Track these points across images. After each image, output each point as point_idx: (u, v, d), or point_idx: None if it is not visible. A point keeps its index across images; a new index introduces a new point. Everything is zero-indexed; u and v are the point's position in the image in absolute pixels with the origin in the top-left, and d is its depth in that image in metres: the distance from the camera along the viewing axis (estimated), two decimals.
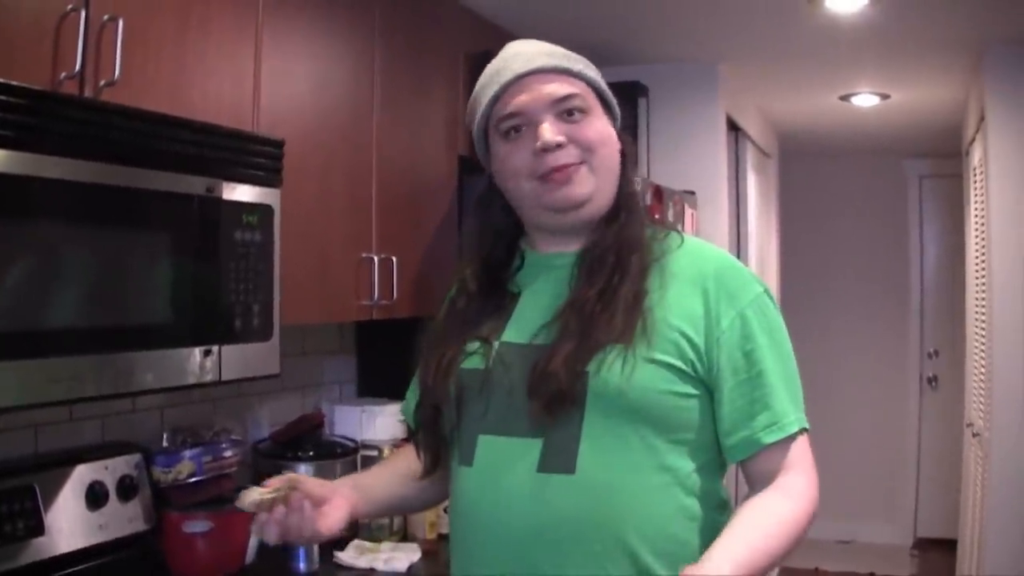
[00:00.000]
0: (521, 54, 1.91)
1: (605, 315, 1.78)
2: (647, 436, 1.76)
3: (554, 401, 1.75)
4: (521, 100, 1.87)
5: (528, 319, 1.89)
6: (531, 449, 1.78)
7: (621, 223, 1.90)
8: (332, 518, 1.88)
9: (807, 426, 1.82)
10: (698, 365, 1.79)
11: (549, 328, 1.83)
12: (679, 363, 1.77)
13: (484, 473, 1.85)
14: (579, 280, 1.87)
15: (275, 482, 1.87)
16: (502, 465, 1.82)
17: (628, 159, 1.96)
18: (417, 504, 2.26)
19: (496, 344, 1.89)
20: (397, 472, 2.12)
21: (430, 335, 2.04)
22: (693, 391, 1.79)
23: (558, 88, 1.87)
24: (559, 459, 1.76)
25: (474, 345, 1.91)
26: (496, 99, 1.90)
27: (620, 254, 1.85)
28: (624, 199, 1.94)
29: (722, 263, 1.90)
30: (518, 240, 2.03)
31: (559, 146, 1.84)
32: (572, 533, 1.74)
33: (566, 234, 1.93)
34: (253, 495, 1.83)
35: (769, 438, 1.77)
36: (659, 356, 1.76)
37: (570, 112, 1.86)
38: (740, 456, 1.82)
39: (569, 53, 1.94)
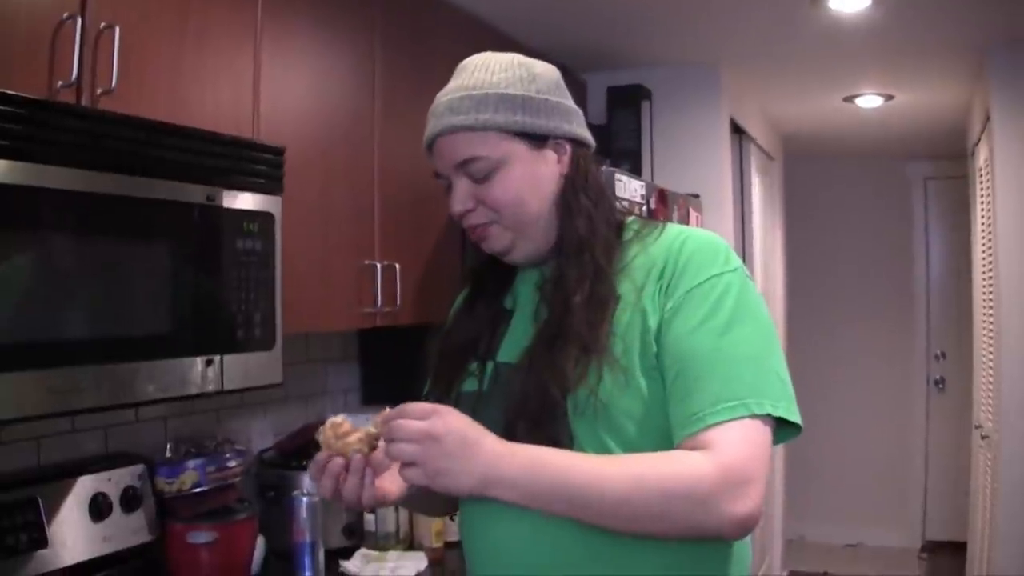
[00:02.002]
0: (436, 108, 1.91)
1: (563, 355, 1.74)
2: (630, 445, 1.72)
3: None
4: (437, 162, 1.92)
5: (517, 337, 1.90)
6: None
7: (565, 257, 1.86)
8: (388, 487, 1.84)
9: (763, 411, 1.64)
10: (660, 352, 1.74)
11: (521, 359, 1.83)
12: (649, 361, 1.73)
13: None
14: (537, 318, 1.86)
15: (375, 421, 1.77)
16: None
17: (575, 184, 1.90)
18: (442, 502, 2.14)
19: (491, 365, 1.91)
20: None
21: (437, 345, 2.05)
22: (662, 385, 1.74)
23: (458, 151, 1.86)
24: None
25: (472, 366, 1.94)
26: (429, 152, 1.94)
27: (567, 293, 1.81)
28: (568, 233, 1.88)
29: (692, 244, 1.82)
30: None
31: (468, 210, 1.88)
32: (569, 550, 1.72)
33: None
34: (331, 430, 1.76)
35: (684, 431, 1.66)
36: (630, 363, 1.73)
37: (480, 172, 1.85)
38: (676, 445, 1.70)
39: (490, 93, 1.87)
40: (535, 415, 1.74)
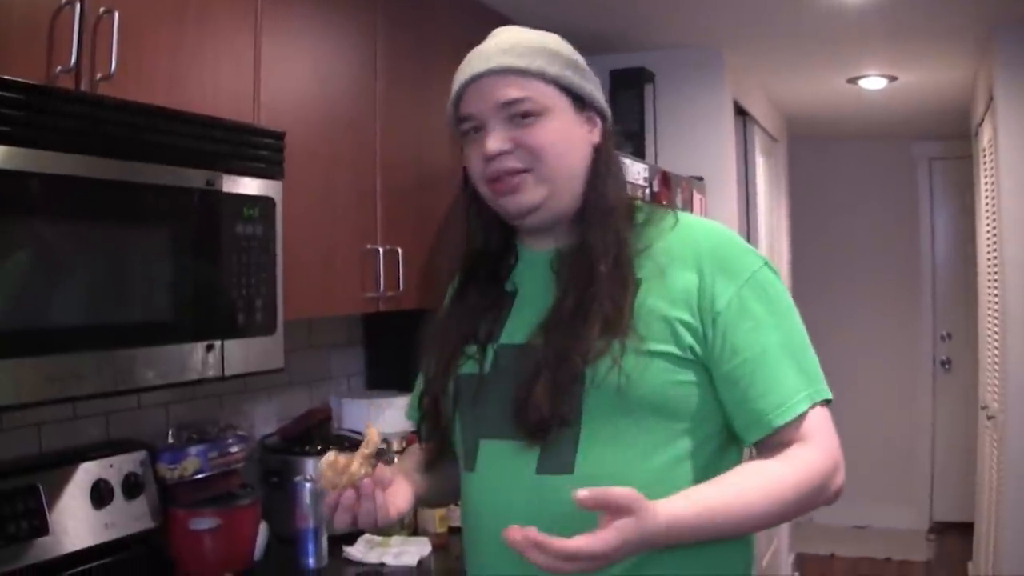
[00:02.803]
0: (483, 52, 1.89)
1: (586, 327, 1.74)
2: (648, 428, 1.74)
3: (538, 430, 1.74)
4: (472, 103, 1.87)
5: (523, 318, 1.88)
6: (530, 452, 1.77)
7: (589, 226, 1.86)
8: (401, 501, 1.84)
9: (824, 397, 1.78)
10: (697, 349, 1.76)
11: (538, 333, 1.81)
12: (675, 350, 1.75)
13: (486, 477, 1.85)
14: (557, 289, 1.84)
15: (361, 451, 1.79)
16: (503, 469, 1.81)
17: (603, 156, 1.92)
18: (450, 488, 2.10)
19: (492, 348, 1.89)
20: (424, 462, 2.08)
21: (431, 329, 2.03)
22: (692, 377, 1.77)
23: (507, 91, 1.83)
24: (557, 460, 1.75)
25: (471, 349, 1.91)
26: (458, 100, 1.90)
27: (592, 260, 1.81)
28: (595, 199, 1.88)
29: (717, 239, 1.86)
30: (512, 234, 2.00)
31: (503, 153, 1.83)
32: (573, 531, 1.71)
33: (541, 231, 1.92)
34: (330, 470, 1.77)
35: (779, 420, 1.73)
36: (654, 347, 1.74)
37: (523, 115, 1.82)
38: (753, 439, 1.78)
39: (540, 47, 1.87)
40: (551, 384, 1.73)
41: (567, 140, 1.86)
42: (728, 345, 1.75)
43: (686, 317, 1.76)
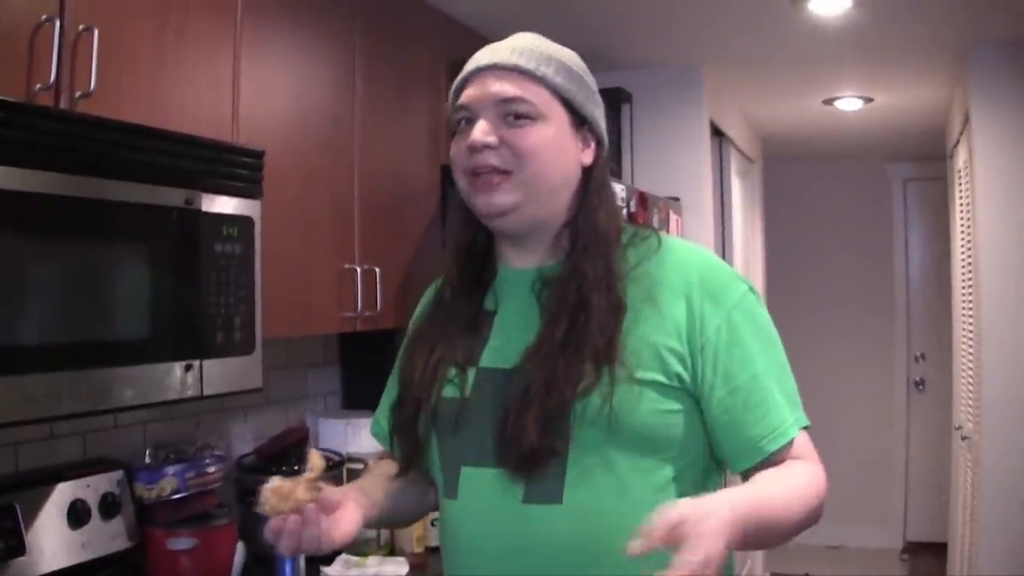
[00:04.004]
0: (495, 48, 1.87)
1: (577, 358, 1.71)
2: (635, 457, 1.72)
3: (527, 461, 1.71)
4: (470, 94, 1.84)
5: (506, 342, 1.84)
6: (516, 481, 1.73)
7: (580, 252, 1.82)
8: (345, 526, 1.77)
9: (805, 423, 1.79)
10: (684, 376, 1.74)
11: (525, 360, 1.77)
12: (663, 379, 1.73)
13: (469, 506, 1.81)
14: (543, 314, 1.81)
15: (303, 480, 1.75)
16: (487, 497, 1.78)
17: (595, 180, 1.89)
18: (413, 510, 2.11)
19: (472, 370, 1.85)
20: (389, 478, 2.03)
21: (408, 341, 2.01)
22: (679, 405, 1.75)
23: (507, 88, 1.80)
24: (544, 490, 1.72)
25: (451, 372, 1.86)
26: (459, 91, 1.88)
27: (584, 289, 1.77)
28: (586, 224, 1.85)
29: (704, 265, 1.83)
30: (493, 249, 1.97)
31: (488, 147, 1.79)
32: (561, 561, 1.71)
33: (523, 245, 1.89)
34: (275, 497, 1.75)
35: (771, 446, 1.73)
36: (643, 376, 1.71)
37: (517, 116, 1.80)
38: (743, 467, 1.77)
39: (554, 57, 1.86)
40: (541, 416, 1.69)
41: (555, 151, 1.82)
42: (720, 372, 1.74)
43: (674, 344, 1.74)
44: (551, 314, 1.79)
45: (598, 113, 1.92)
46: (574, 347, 1.72)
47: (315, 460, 1.75)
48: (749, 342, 1.77)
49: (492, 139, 1.79)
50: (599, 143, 1.92)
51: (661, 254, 1.85)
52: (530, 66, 1.82)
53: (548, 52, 1.86)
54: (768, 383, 1.76)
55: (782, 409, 1.75)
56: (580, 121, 1.87)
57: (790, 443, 1.74)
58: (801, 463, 1.75)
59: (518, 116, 1.80)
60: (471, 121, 1.83)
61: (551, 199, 1.84)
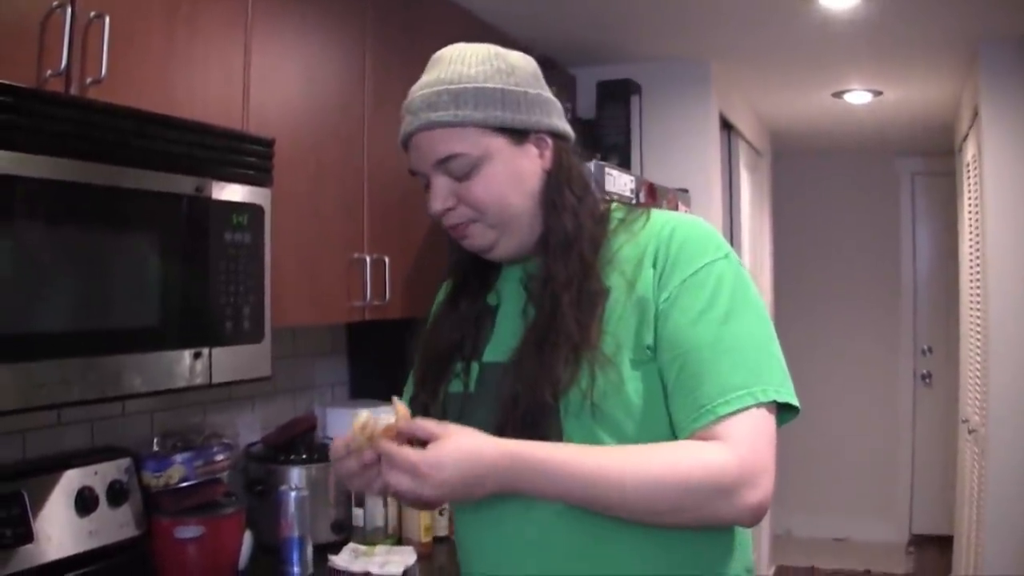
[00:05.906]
0: (412, 104, 1.84)
1: (554, 356, 1.71)
2: (624, 433, 1.69)
3: None
4: (412, 160, 1.86)
5: (504, 335, 1.87)
6: None
7: (551, 255, 1.82)
8: None
9: (772, 398, 1.66)
10: (653, 344, 1.72)
11: (515, 355, 1.78)
12: (643, 355, 1.71)
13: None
14: (526, 316, 1.82)
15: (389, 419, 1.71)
16: None
17: (555, 182, 1.86)
18: None
19: (476, 364, 1.88)
20: None
21: (422, 338, 2.02)
22: (657, 375, 1.72)
23: (438, 149, 1.79)
24: None
25: (457, 366, 1.90)
26: (405, 148, 1.88)
27: (555, 289, 1.77)
28: (553, 228, 1.83)
29: (675, 231, 1.79)
30: None
31: (449, 209, 1.82)
32: (565, 546, 1.72)
33: None
34: (361, 432, 1.72)
35: (695, 423, 1.66)
36: (621, 357, 1.71)
37: (459, 171, 1.79)
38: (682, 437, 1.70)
39: (466, 87, 1.80)
40: (525, 417, 1.71)
41: (510, 181, 1.81)
42: (665, 336, 1.70)
43: (648, 315, 1.72)
44: (530, 314, 1.81)
45: (542, 111, 1.87)
46: (551, 345, 1.73)
47: (400, 408, 1.73)
48: (700, 310, 1.70)
49: (449, 203, 1.82)
50: (556, 136, 1.89)
51: (645, 229, 1.83)
52: (448, 116, 1.78)
53: (461, 82, 1.81)
54: (714, 355, 1.66)
55: (727, 380, 1.65)
56: (522, 135, 1.84)
57: (728, 416, 1.63)
58: (707, 444, 1.63)
59: (460, 170, 1.79)
60: (426, 185, 1.85)
61: (526, 221, 1.85)
